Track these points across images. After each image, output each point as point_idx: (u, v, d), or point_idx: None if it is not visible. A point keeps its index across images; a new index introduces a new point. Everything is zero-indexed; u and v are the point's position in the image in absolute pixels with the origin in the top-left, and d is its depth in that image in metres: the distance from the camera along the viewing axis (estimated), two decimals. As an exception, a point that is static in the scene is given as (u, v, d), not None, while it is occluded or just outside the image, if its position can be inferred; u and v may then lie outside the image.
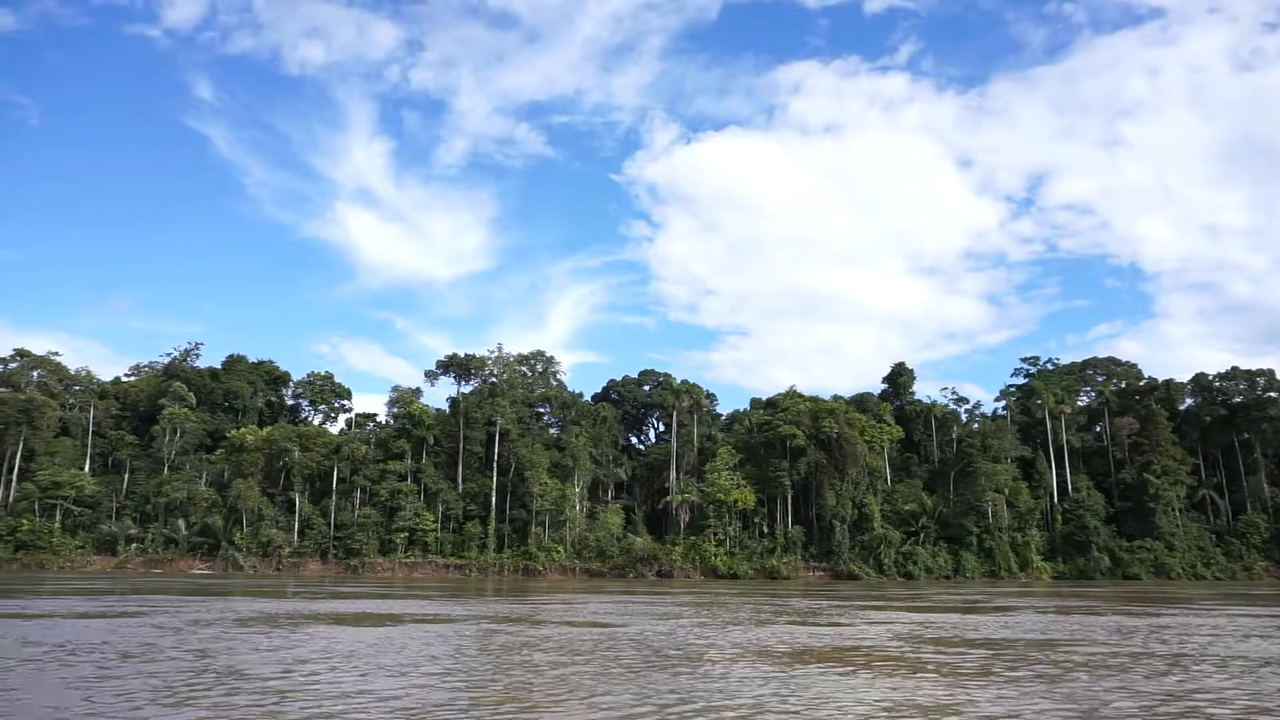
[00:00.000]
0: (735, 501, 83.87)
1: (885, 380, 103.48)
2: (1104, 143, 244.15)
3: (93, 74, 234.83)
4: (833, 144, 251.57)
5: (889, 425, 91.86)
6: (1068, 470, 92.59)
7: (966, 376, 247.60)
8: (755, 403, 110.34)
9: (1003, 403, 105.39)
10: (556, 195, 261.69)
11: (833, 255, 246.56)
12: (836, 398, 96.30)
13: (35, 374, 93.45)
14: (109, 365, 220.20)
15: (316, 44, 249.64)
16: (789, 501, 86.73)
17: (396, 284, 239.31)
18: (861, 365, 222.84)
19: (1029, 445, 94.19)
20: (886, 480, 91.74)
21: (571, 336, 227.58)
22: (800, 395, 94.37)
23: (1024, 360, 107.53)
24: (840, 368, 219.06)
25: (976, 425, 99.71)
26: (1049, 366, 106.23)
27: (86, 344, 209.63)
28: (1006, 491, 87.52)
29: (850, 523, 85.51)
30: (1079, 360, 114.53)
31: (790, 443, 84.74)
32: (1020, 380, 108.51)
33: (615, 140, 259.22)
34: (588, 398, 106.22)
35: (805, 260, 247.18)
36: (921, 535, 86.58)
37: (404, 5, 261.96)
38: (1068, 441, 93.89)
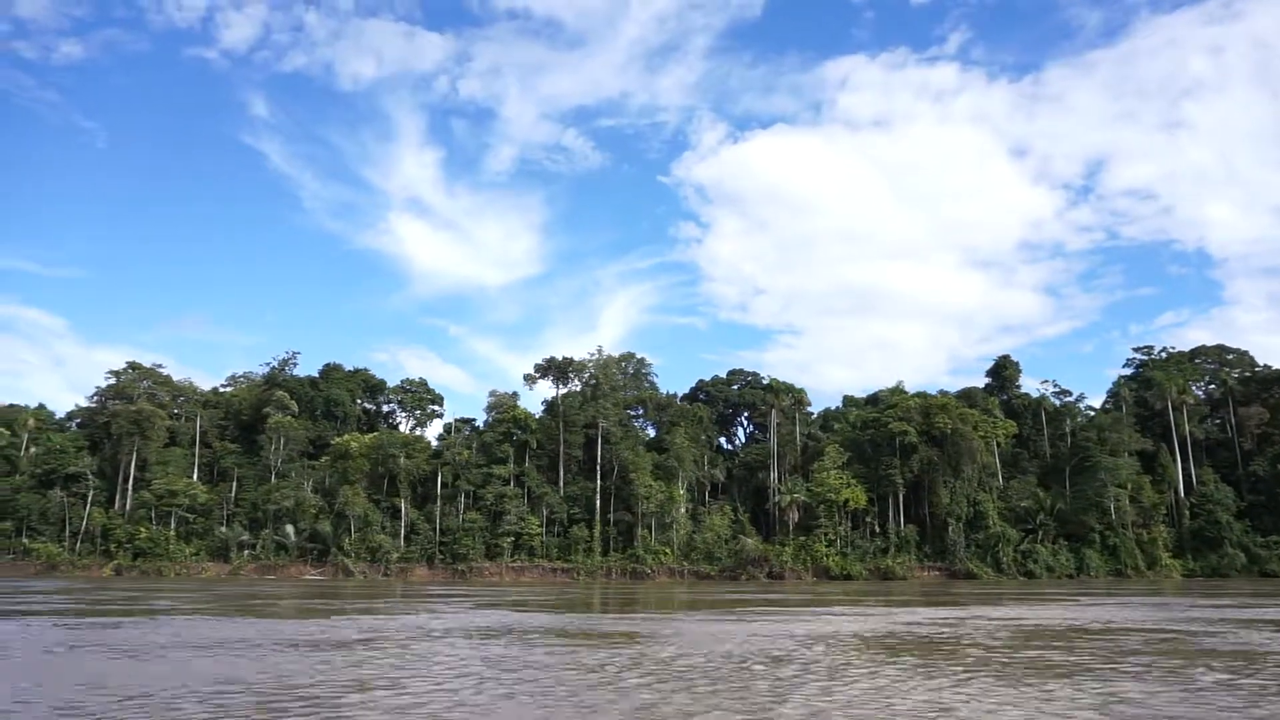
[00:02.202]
0: (846, 501, 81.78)
1: (989, 374, 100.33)
2: (1165, 125, 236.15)
3: (155, 97, 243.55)
4: (882, 138, 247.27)
5: (1000, 420, 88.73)
6: (1191, 463, 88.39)
7: (1025, 370, 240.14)
8: (849, 400, 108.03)
9: (1102, 395, 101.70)
10: (605, 199, 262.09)
11: (884, 250, 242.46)
12: (942, 393, 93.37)
13: (144, 385, 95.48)
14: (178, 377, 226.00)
15: (367, 58, 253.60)
16: (900, 500, 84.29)
17: (448, 291, 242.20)
18: (916, 361, 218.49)
19: (1148, 437, 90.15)
20: (998, 476, 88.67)
21: (623, 339, 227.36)
22: (903, 391, 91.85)
23: (1136, 350, 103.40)
24: (894, 364, 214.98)
25: (1083, 419, 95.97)
26: (1162, 356, 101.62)
27: (154, 358, 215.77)
28: (1129, 486, 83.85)
29: (965, 521, 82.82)
30: (1183, 349, 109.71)
31: (902, 440, 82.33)
32: (1128, 371, 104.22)
33: (662, 142, 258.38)
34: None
35: (856, 256, 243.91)
36: (1040, 533, 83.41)
37: (451, 17, 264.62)
38: (1190, 433, 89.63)
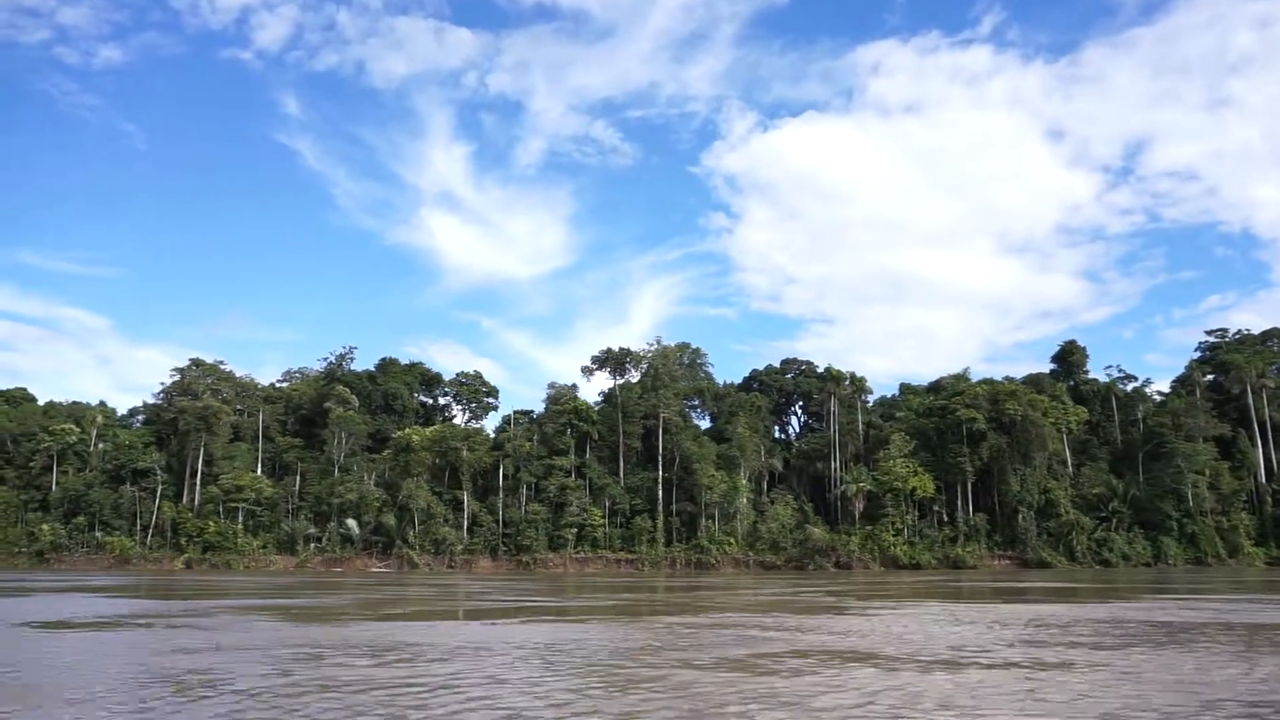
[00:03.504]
0: (913, 489, 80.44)
1: (1054, 360, 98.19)
2: (1208, 104, 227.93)
3: (192, 98, 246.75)
4: (915, 123, 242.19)
5: (1070, 406, 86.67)
6: (1272, 449, 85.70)
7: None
8: (906, 388, 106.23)
9: (1168, 380, 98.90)
10: (634, 190, 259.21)
11: (918, 237, 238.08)
12: (1008, 379, 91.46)
13: (207, 381, 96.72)
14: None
15: (398, 56, 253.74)
16: (968, 488, 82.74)
17: (480, 285, 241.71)
18: (951, 348, 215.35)
19: (1225, 422, 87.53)
20: (1068, 464, 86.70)
21: (653, 330, 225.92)
22: (967, 378, 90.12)
23: (1209, 333, 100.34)
24: (930, 352, 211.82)
25: (1151, 404, 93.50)
26: (1235, 339, 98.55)
27: (195, 354, 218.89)
28: (1207, 473, 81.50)
29: (1035, 509, 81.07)
30: (1255, 331, 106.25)
31: (970, 427, 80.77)
32: (1198, 355, 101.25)
33: (691, 132, 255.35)
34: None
35: (889, 243, 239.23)
36: (1114, 521, 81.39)
37: (480, 13, 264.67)
38: (1270, 417, 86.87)
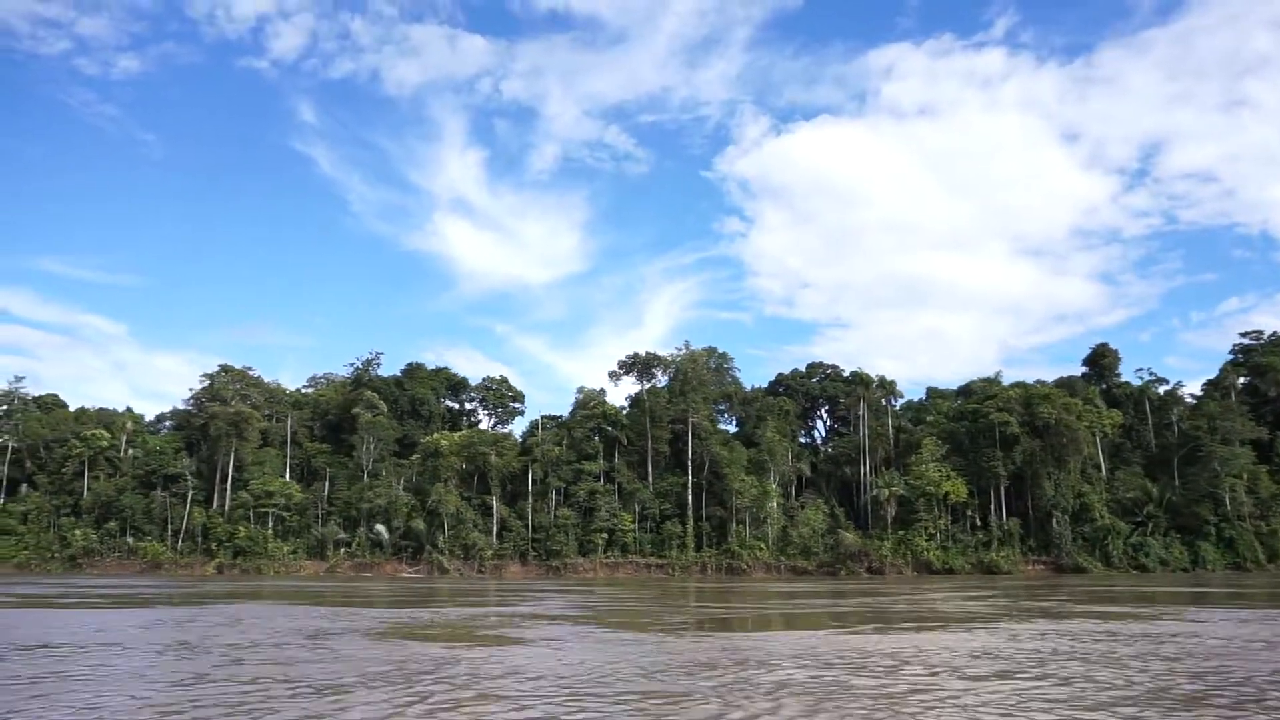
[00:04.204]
0: (946, 494, 79.78)
1: (1085, 363, 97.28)
2: (1225, 105, 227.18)
3: (208, 107, 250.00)
4: (928, 126, 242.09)
5: (1104, 409, 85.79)
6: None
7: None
8: (933, 392, 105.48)
9: (1197, 383, 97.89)
10: (647, 195, 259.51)
11: (932, 240, 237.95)
12: (1039, 382, 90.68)
13: (235, 386, 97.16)
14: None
15: (412, 63, 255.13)
16: (1001, 492, 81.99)
17: (494, 290, 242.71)
18: (966, 352, 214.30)
19: (1262, 426, 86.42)
20: (1101, 468, 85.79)
21: (668, 335, 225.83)
22: (999, 381, 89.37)
23: (1243, 335, 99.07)
24: (944, 356, 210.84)
25: (1184, 407, 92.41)
26: (1271, 341, 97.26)
27: (211, 360, 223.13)
28: (1245, 477, 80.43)
29: (1070, 513, 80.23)
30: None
31: (1003, 430, 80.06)
32: (1231, 357, 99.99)
33: (704, 137, 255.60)
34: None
35: (904, 247, 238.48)
36: (1150, 525, 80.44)
37: (493, 19, 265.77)
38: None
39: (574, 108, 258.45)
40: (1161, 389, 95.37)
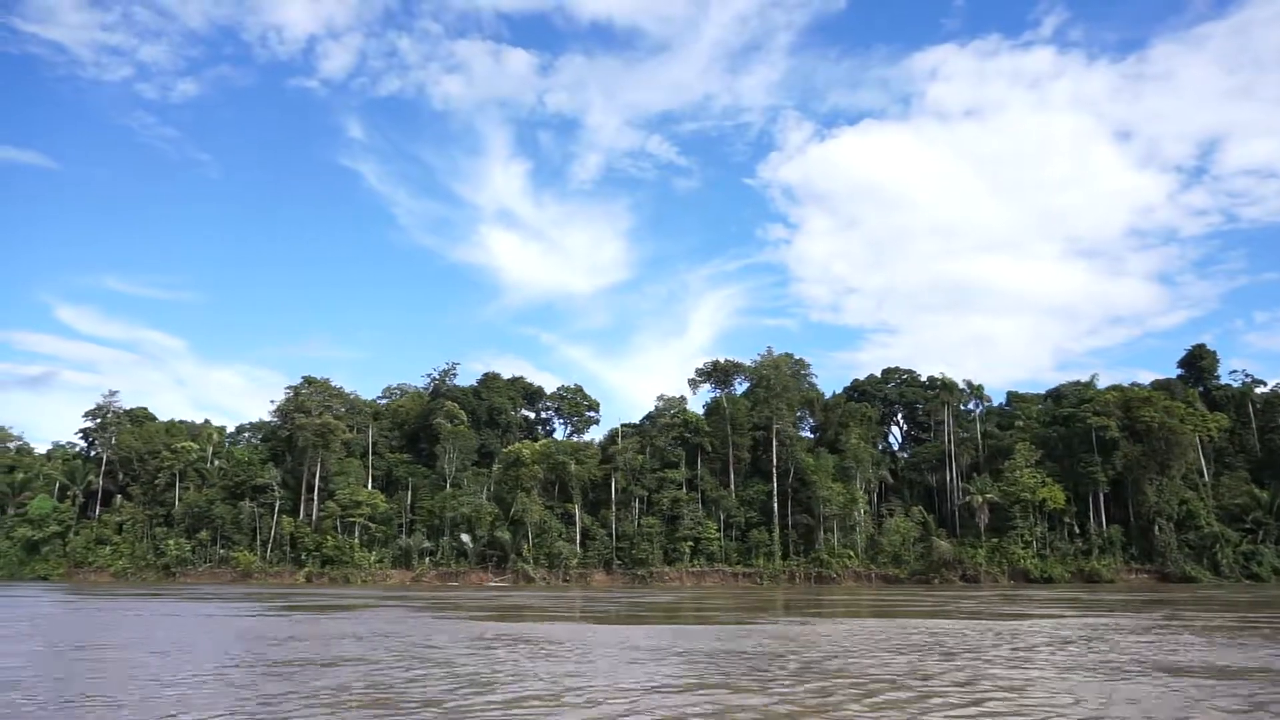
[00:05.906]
0: (1043, 500, 77.50)
1: (1181, 364, 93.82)
2: None
3: (260, 126, 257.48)
4: (975, 128, 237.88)
5: (1207, 413, 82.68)
6: None
7: (1138, 362, 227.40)
8: (1014, 396, 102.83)
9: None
10: (690, 203, 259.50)
11: (981, 243, 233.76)
12: (1135, 384, 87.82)
13: (318, 398, 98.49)
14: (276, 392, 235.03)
15: (457, 78, 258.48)
16: (1100, 499, 79.40)
17: (539, 300, 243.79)
18: (1017, 356, 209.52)
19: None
20: (1204, 473, 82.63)
21: (713, 342, 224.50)
22: (1094, 385, 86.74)
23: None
24: (995, 360, 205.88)
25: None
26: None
27: (265, 373, 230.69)
28: (1360, 481, 76.87)
29: (1174, 521, 77.36)
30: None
31: (1102, 435, 77.57)
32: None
33: (747, 144, 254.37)
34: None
35: (951, 251, 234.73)
36: (1260, 533, 77.21)
37: (536, 33, 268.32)
38: None
39: (616, 118, 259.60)
40: (1259, 390, 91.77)
